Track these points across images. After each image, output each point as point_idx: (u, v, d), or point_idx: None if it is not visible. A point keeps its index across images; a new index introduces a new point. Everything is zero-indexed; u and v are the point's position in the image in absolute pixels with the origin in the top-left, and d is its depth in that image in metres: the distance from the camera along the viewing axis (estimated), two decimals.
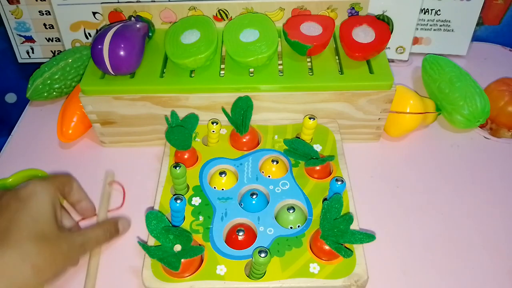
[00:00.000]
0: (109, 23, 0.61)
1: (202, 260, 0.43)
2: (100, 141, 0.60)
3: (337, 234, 0.41)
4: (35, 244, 0.35)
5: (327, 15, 0.60)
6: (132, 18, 0.60)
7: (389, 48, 0.68)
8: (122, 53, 0.51)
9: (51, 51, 0.70)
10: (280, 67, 0.56)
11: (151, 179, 0.54)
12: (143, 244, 0.41)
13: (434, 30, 0.69)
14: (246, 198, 0.47)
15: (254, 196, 0.47)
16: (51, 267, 0.36)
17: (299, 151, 0.51)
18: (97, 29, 0.65)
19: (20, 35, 0.68)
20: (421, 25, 0.69)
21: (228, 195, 0.48)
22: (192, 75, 0.55)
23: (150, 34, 0.59)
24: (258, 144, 0.53)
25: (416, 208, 0.53)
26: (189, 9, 0.60)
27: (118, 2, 0.60)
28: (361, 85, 0.53)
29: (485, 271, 0.48)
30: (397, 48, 0.68)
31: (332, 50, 0.58)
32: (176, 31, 0.56)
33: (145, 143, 0.60)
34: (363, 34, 0.55)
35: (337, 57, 0.57)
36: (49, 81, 0.60)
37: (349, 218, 0.41)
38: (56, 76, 0.60)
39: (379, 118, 0.57)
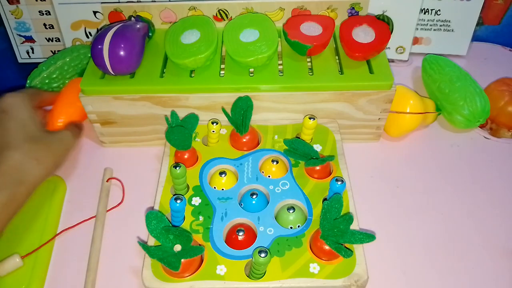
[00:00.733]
0: (109, 23, 0.61)
1: (202, 260, 0.43)
2: (100, 141, 0.60)
3: (337, 234, 0.41)
4: (31, 143, 0.42)
5: (327, 15, 0.60)
6: (132, 18, 0.60)
7: (389, 48, 0.68)
8: (122, 53, 0.51)
9: (51, 51, 0.70)
10: (280, 67, 0.56)
11: (151, 179, 0.54)
12: (143, 244, 0.41)
13: (434, 30, 0.69)
14: (246, 198, 0.47)
15: (254, 196, 0.47)
16: (50, 158, 0.43)
17: (299, 151, 0.51)
18: (97, 29, 0.65)
19: (20, 35, 0.68)
20: (421, 25, 0.69)
21: (228, 195, 0.48)
22: (192, 75, 0.55)
23: (150, 34, 0.59)
24: (258, 144, 0.53)
25: (416, 208, 0.53)
26: (189, 9, 0.60)
27: (118, 2, 0.60)
28: (361, 85, 0.53)
29: (485, 271, 0.48)
30: (397, 48, 0.68)
31: (332, 50, 0.58)
32: (176, 31, 0.56)
33: (145, 143, 0.60)
34: (363, 34, 0.55)
35: (337, 57, 0.57)
36: (47, 80, 0.60)
37: (349, 218, 0.41)
38: (54, 75, 0.60)
39: (379, 118, 0.57)
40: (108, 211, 0.53)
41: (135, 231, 0.51)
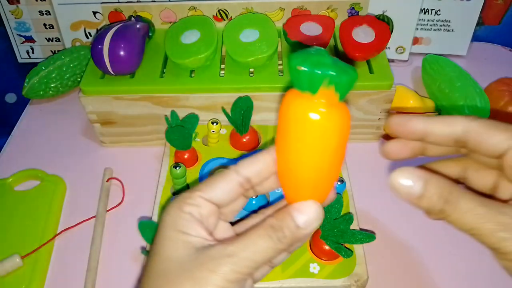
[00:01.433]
0: (109, 23, 0.61)
1: None
2: (100, 141, 0.60)
3: (337, 234, 0.41)
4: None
5: (327, 15, 0.60)
6: (132, 18, 0.60)
7: (389, 48, 0.68)
8: (122, 53, 0.51)
9: (51, 51, 0.70)
10: (280, 67, 0.56)
11: (151, 179, 0.54)
12: (147, 252, 0.41)
13: (434, 30, 0.69)
14: (249, 202, 0.47)
15: (254, 196, 0.46)
16: None
17: None
18: (97, 29, 0.65)
19: (20, 35, 0.68)
20: (421, 25, 0.69)
21: None
22: (192, 75, 0.55)
23: (150, 34, 0.59)
24: (258, 144, 0.53)
25: (416, 208, 0.53)
26: (189, 9, 0.60)
27: (118, 2, 0.60)
28: (361, 85, 0.53)
29: (485, 271, 0.48)
30: (397, 48, 0.68)
31: (332, 50, 0.58)
32: (176, 31, 0.57)
33: (145, 143, 0.60)
34: (363, 34, 0.55)
35: (337, 57, 0.57)
36: (45, 80, 0.60)
37: (349, 218, 0.41)
38: (53, 75, 0.60)
39: (379, 118, 0.57)
40: (108, 211, 0.53)
41: (135, 231, 0.50)
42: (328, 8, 0.60)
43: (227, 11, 0.60)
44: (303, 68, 0.23)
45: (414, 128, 0.28)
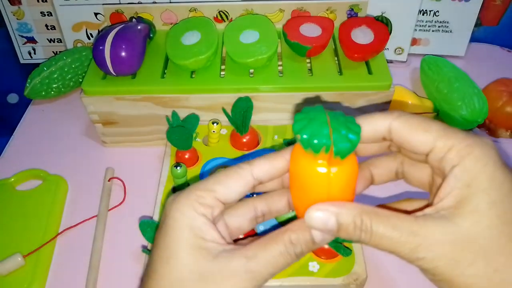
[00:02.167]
0: (110, 24, 0.62)
1: None
2: (102, 141, 0.60)
3: None
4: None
5: (327, 16, 0.61)
6: (133, 20, 0.60)
7: (387, 49, 0.68)
8: (123, 54, 0.52)
9: (53, 52, 0.70)
10: (280, 68, 0.56)
11: (152, 179, 0.54)
12: (148, 251, 0.41)
13: (433, 31, 0.69)
14: (246, 197, 0.47)
15: (254, 196, 0.47)
16: None
17: None
18: (98, 30, 0.65)
19: (22, 36, 0.69)
20: (420, 26, 0.69)
21: None
22: (193, 76, 0.55)
23: (151, 35, 0.59)
24: (258, 144, 0.54)
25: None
26: (189, 11, 0.60)
27: (120, 4, 0.61)
28: (360, 86, 0.54)
29: None
30: (396, 49, 0.69)
31: (331, 51, 0.58)
32: (177, 32, 0.57)
33: (146, 143, 0.60)
34: (362, 35, 0.56)
35: (336, 58, 0.57)
36: (47, 80, 0.60)
37: None
38: (55, 76, 0.60)
39: None
40: (109, 210, 0.53)
41: (137, 230, 0.51)
42: (327, 10, 0.60)
43: (227, 13, 0.61)
44: (304, 136, 0.25)
45: None
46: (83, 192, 0.55)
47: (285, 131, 0.55)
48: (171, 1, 0.60)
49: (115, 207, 0.53)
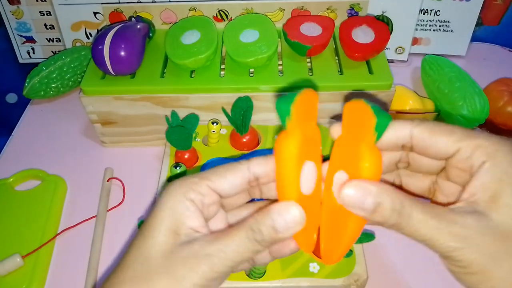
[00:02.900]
0: (109, 23, 0.61)
1: None
2: (101, 141, 0.60)
3: None
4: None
5: (327, 15, 0.61)
6: (133, 19, 0.60)
7: (388, 48, 0.68)
8: (122, 53, 0.52)
9: (52, 51, 0.70)
10: (280, 67, 0.56)
11: (151, 179, 0.54)
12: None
13: (434, 30, 0.69)
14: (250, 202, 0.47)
15: (259, 197, 0.47)
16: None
17: None
18: (98, 29, 0.65)
19: (20, 36, 0.69)
20: (421, 25, 0.69)
21: None
22: (193, 75, 0.55)
23: (150, 34, 0.59)
24: (258, 144, 0.54)
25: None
26: (189, 10, 0.60)
27: (119, 3, 0.61)
28: (360, 85, 0.53)
29: None
30: (397, 49, 0.68)
31: (332, 50, 0.58)
32: (177, 31, 0.57)
33: (145, 143, 0.60)
34: (363, 35, 0.55)
35: (336, 58, 0.57)
36: (46, 80, 0.60)
37: None
38: (54, 75, 0.60)
39: None
40: (108, 210, 0.53)
41: (136, 230, 0.51)
42: (327, 9, 0.60)
43: (227, 12, 0.60)
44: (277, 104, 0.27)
45: None
46: (82, 192, 0.55)
47: None
48: (171, 0, 0.60)
49: (114, 207, 0.53)
